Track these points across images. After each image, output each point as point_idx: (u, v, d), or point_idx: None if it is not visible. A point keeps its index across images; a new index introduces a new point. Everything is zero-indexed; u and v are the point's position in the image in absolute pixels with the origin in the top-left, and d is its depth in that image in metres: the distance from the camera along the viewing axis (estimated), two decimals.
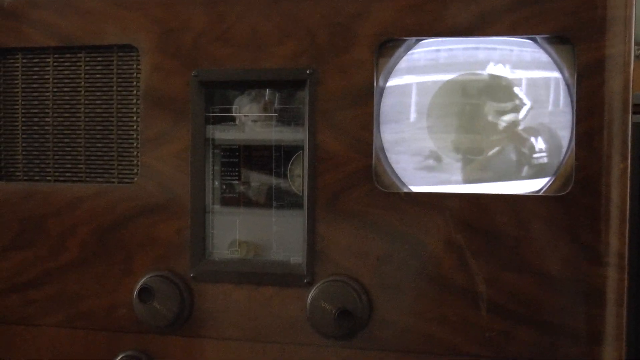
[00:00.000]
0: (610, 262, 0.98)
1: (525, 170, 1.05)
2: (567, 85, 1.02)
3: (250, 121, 1.13)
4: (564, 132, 1.02)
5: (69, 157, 1.18)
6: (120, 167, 1.16)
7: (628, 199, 0.99)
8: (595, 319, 0.99)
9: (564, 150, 1.03)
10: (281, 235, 1.12)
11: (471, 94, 1.05)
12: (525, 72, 1.04)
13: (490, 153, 1.05)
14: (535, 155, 1.04)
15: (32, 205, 1.17)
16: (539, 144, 1.04)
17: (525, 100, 1.04)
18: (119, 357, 1.14)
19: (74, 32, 1.15)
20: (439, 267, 1.03)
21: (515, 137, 1.04)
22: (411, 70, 1.07)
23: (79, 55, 1.16)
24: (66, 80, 1.17)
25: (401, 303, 1.05)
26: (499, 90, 1.04)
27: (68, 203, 1.16)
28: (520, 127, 1.04)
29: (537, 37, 1.02)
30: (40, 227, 1.17)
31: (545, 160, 1.04)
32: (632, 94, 0.99)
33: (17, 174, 1.20)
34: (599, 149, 0.98)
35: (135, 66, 1.14)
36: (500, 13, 1.01)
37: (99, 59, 1.16)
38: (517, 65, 1.04)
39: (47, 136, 1.18)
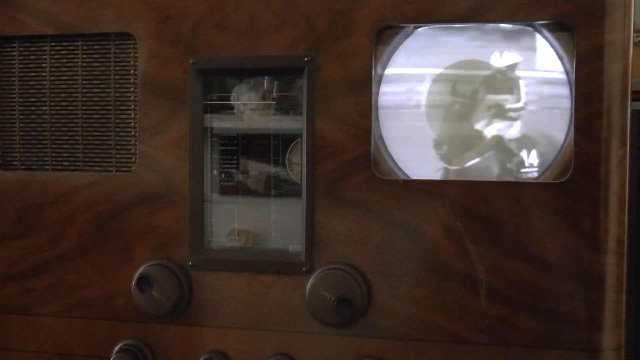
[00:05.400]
0: (609, 248, 0.98)
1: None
2: (567, 72, 1.02)
3: (249, 109, 1.13)
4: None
5: (67, 146, 1.17)
6: (118, 155, 1.15)
7: (627, 185, 0.99)
8: (595, 306, 0.99)
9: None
10: (280, 224, 1.12)
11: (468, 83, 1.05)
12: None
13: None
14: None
15: (29, 194, 1.17)
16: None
17: (522, 91, 1.04)
18: (118, 346, 1.14)
19: (71, 20, 1.14)
20: (439, 254, 1.03)
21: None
22: (409, 59, 1.06)
23: (76, 43, 1.16)
24: (63, 69, 1.17)
25: (400, 291, 1.05)
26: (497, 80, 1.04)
27: (66, 192, 1.15)
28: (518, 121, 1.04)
29: (536, 23, 1.01)
30: (38, 216, 1.16)
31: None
32: (631, 80, 0.99)
33: (15, 163, 1.20)
34: (598, 136, 0.98)
35: (132, 54, 1.14)
36: None
37: (96, 47, 1.15)
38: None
39: (45, 125, 1.18)
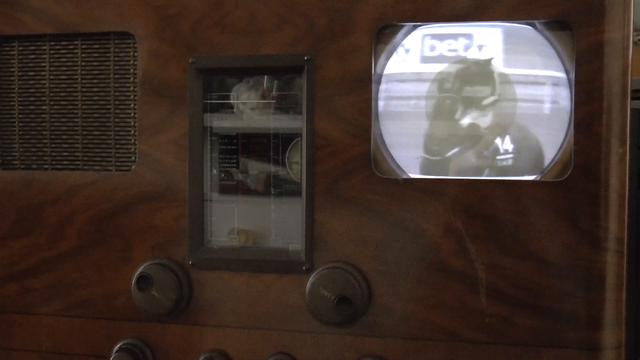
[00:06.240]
0: (609, 247, 0.98)
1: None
2: (566, 71, 1.02)
3: (249, 109, 1.13)
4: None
5: (66, 145, 1.17)
6: (117, 154, 1.15)
7: (627, 184, 0.99)
8: (595, 304, 0.99)
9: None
10: (280, 223, 1.12)
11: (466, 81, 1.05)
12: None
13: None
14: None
15: (29, 193, 1.17)
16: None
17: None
18: (118, 345, 1.14)
19: (71, 19, 1.14)
20: (438, 253, 1.03)
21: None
22: (409, 57, 1.06)
23: (75, 42, 1.16)
24: (63, 68, 1.17)
25: (400, 289, 1.05)
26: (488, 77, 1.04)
27: (66, 191, 1.15)
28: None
29: (536, 22, 1.01)
30: (38, 215, 1.16)
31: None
32: (631, 79, 0.99)
33: (14, 162, 1.20)
34: (598, 134, 0.98)
35: (132, 53, 1.14)
36: None
37: (96, 46, 1.15)
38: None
39: (44, 124, 1.18)
